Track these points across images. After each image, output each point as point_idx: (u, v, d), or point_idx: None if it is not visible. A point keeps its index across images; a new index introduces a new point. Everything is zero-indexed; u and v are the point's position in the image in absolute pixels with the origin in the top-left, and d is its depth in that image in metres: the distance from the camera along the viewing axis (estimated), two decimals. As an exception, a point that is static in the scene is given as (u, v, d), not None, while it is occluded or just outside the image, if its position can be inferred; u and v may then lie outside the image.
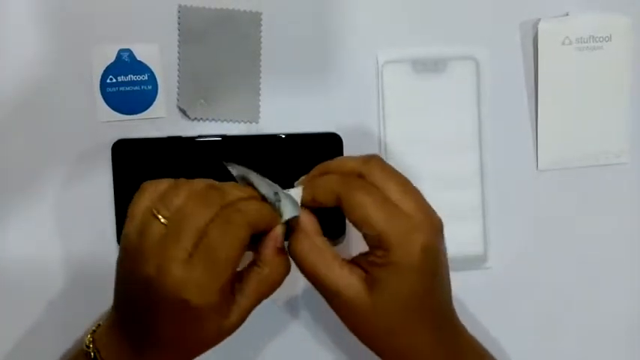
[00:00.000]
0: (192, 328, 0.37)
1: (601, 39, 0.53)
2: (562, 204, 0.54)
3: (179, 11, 0.49)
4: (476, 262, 0.53)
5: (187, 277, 0.36)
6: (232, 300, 0.39)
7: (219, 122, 0.51)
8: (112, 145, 0.49)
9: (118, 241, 0.49)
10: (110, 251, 0.49)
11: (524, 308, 0.54)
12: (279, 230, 0.40)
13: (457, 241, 0.52)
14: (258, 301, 0.40)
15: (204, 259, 0.36)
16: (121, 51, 0.49)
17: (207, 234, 0.36)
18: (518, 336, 0.54)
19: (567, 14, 0.52)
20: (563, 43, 0.52)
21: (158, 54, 0.50)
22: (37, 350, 0.50)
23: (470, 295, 0.53)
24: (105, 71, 0.49)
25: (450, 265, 0.52)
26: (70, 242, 0.50)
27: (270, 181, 0.41)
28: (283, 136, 0.51)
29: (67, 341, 0.50)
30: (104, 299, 0.48)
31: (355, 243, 0.51)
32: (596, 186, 0.54)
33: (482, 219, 0.53)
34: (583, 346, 0.54)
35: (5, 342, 0.49)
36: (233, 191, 0.39)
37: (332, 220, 0.51)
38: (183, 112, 0.50)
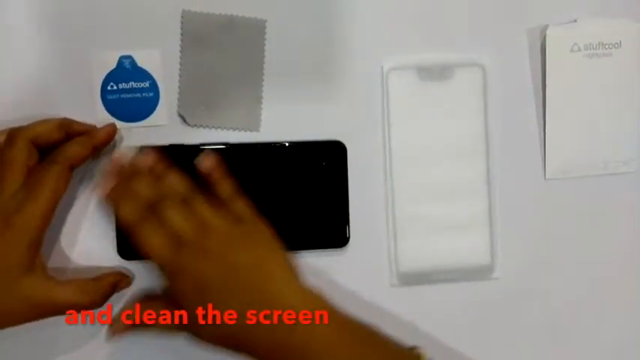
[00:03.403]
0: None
1: (610, 45, 0.52)
2: (570, 213, 0.53)
3: (182, 16, 0.49)
4: (483, 272, 0.52)
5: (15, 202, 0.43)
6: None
7: (219, 130, 0.50)
8: (113, 153, 0.48)
9: (119, 250, 0.49)
10: (110, 258, 0.49)
11: (531, 319, 0.53)
12: None
13: (464, 251, 0.52)
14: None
15: (29, 189, 0.43)
16: (122, 57, 0.48)
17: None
18: (526, 346, 0.53)
19: (576, 20, 0.52)
20: (571, 50, 0.52)
21: (160, 60, 0.49)
22: (36, 351, 0.49)
23: (477, 306, 0.52)
24: (106, 78, 0.48)
25: (457, 275, 0.52)
26: (70, 250, 0.49)
27: None
28: (287, 145, 0.50)
29: (65, 343, 0.49)
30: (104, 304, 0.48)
31: (357, 251, 0.51)
32: (604, 195, 0.53)
33: (489, 228, 0.52)
34: (590, 356, 0.54)
35: (4, 342, 0.49)
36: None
37: (335, 229, 0.51)
38: (183, 118, 0.49)
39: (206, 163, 0.47)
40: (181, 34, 0.49)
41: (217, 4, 0.49)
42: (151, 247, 0.43)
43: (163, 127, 0.49)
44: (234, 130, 0.50)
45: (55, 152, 0.45)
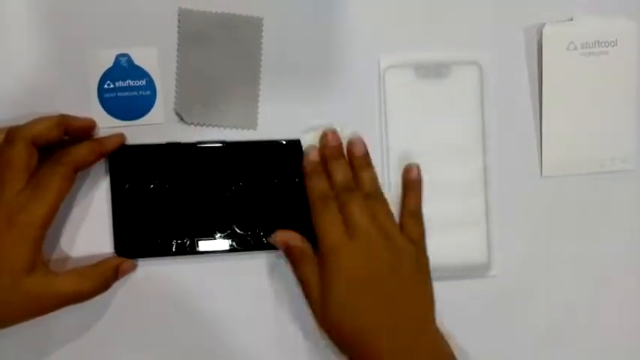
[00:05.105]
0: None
1: (606, 44, 0.52)
2: (566, 211, 0.53)
3: (179, 14, 0.49)
4: (479, 270, 0.52)
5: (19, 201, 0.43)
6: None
7: (216, 128, 0.50)
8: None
9: (116, 248, 0.49)
10: (107, 256, 0.49)
11: (528, 316, 0.53)
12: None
13: (461, 248, 0.52)
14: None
15: (33, 189, 0.43)
16: (119, 56, 0.48)
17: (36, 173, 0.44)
18: (523, 344, 0.53)
19: (572, 19, 0.52)
20: (568, 48, 0.52)
21: (157, 58, 0.49)
22: (33, 350, 0.49)
23: (474, 304, 0.53)
24: (102, 77, 0.48)
25: (454, 273, 0.52)
26: (66, 249, 0.49)
27: None
28: (284, 142, 0.50)
29: (63, 343, 0.49)
30: (101, 303, 0.48)
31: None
32: (601, 192, 0.53)
33: (485, 226, 0.52)
34: (587, 354, 0.54)
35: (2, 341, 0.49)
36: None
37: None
38: (179, 116, 0.49)
39: (414, 173, 0.50)
40: (178, 32, 0.49)
41: (214, 2, 0.49)
42: (330, 224, 0.47)
43: (160, 125, 0.49)
44: (231, 128, 0.50)
45: (61, 154, 0.45)
